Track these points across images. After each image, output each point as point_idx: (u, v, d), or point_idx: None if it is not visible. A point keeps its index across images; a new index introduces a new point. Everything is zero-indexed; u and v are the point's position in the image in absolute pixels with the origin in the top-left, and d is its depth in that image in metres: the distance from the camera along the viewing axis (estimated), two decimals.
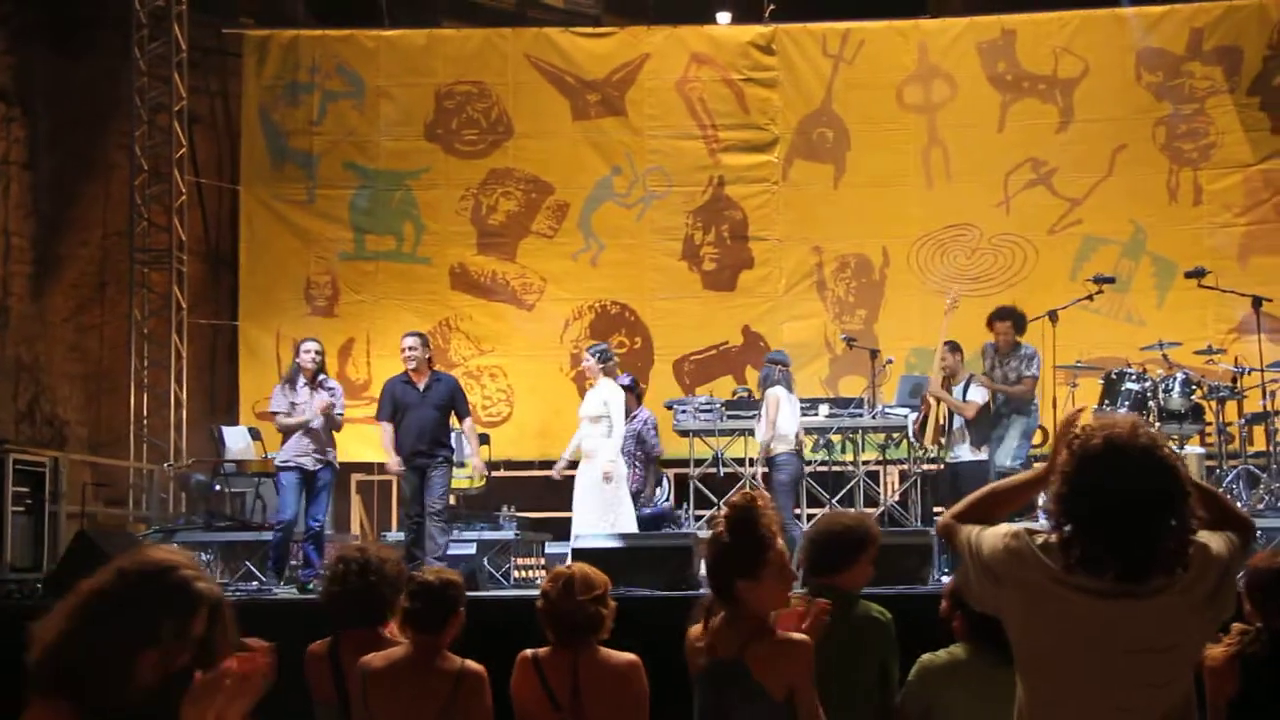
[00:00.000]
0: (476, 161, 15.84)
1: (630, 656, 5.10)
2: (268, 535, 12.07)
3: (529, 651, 5.11)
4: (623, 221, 15.72)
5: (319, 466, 11.26)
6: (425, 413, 11.24)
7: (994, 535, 3.62)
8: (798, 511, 12.34)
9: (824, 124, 15.67)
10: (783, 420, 11.70)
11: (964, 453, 11.45)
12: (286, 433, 11.27)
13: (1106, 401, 11.73)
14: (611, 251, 15.70)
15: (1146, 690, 3.46)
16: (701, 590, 9.64)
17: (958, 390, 11.55)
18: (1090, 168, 15.18)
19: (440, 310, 15.09)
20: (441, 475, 11.22)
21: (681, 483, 13.09)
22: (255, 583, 11.70)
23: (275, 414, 11.38)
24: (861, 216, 15.51)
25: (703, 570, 9.76)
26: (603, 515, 10.90)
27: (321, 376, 11.48)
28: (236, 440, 13.20)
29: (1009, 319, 11.68)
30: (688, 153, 15.76)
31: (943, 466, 12.02)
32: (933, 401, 11.86)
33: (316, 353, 11.42)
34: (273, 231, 15.64)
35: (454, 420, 11.56)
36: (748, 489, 5.18)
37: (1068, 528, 3.46)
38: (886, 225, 15.49)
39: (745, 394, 13.75)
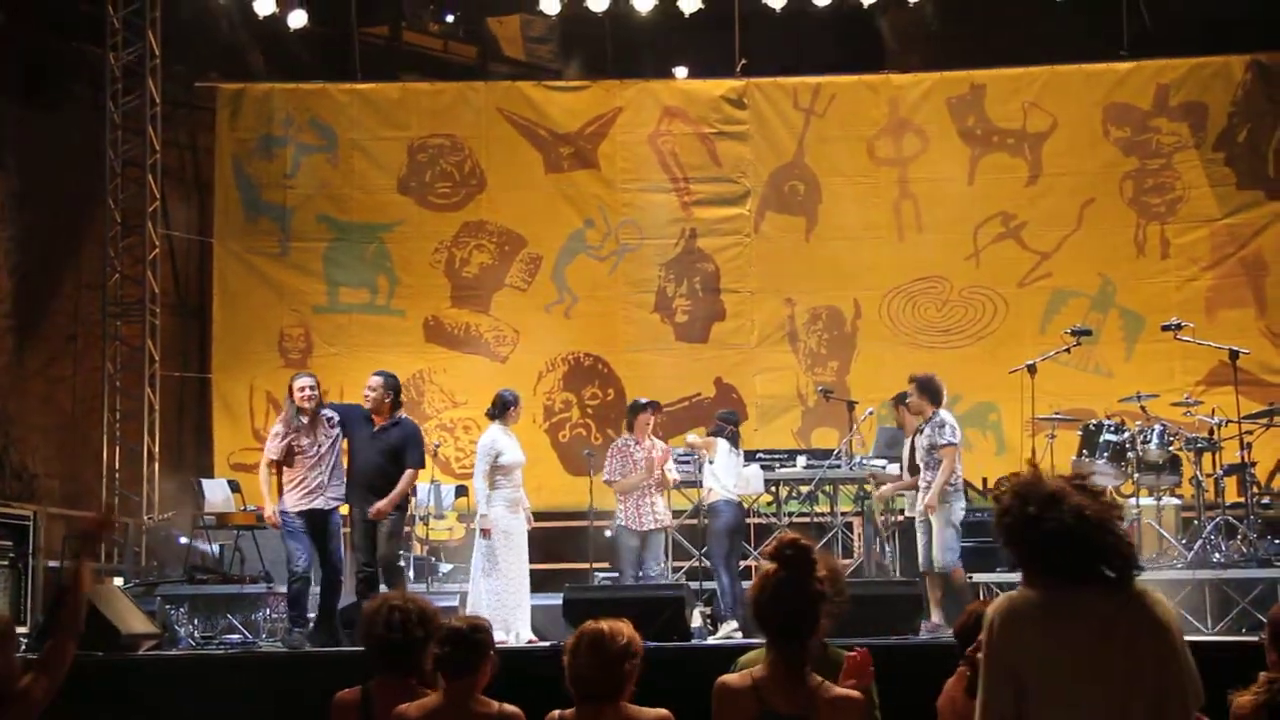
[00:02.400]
0: (450, 214, 15.89)
1: (661, 712, 5.04)
2: (251, 588, 12.03)
3: (556, 713, 5.06)
4: (596, 274, 15.79)
5: (331, 507, 10.92)
6: (372, 456, 10.90)
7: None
8: (745, 563, 12.51)
9: (795, 177, 15.80)
10: (719, 469, 11.78)
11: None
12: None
13: (1085, 452, 11.86)
14: (584, 304, 15.75)
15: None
16: (693, 641, 9.76)
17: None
18: (1059, 221, 15.36)
19: (414, 362, 15.09)
20: (393, 524, 10.89)
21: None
22: (238, 636, 11.66)
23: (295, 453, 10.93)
24: (833, 269, 15.63)
25: (695, 620, 9.90)
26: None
27: (324, 412, 11.00)
28: (215, 492, 13.15)
29: (913, 383, 11.49)
30: (660, 206, 15.84)
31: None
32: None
33: (311, 389, 10.91)
34: (246, 284, 15.62)
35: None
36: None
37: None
38: (858, 277, 15.61)
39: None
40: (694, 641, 9.78)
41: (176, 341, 15.60)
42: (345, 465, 11.04)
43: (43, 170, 14.95)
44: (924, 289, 15.51)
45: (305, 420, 10.87)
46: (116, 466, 14.86)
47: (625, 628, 5.07)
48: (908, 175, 15.64)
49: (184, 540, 13.39)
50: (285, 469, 10.85)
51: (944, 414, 11.17)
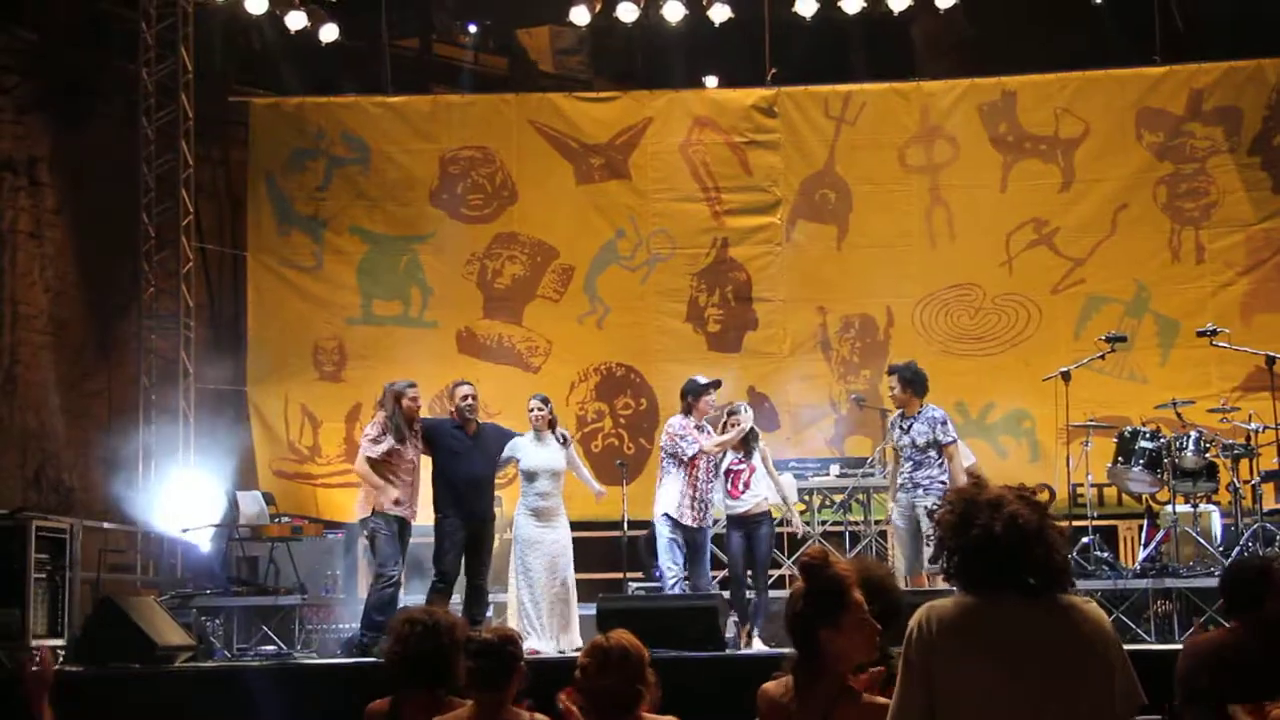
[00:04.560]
0: (482, 226, 15.91)
1: None
2: (286, 600, 12.08)
3: None
4: (627, 284, 15.79)
5: (413, 519, 11.19)
6: (472, 465, 11.18)
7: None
8: (779, 571, 12.62)
9: (827, 185, 15.77)
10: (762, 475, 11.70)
11: None
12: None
13: (1120, 460, 11.82)
14: (616, 314, 15.76)
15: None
16: (728, 650, 9.77)
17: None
18: (1092, 227, 15.29)
19: (447, 373, 15.04)
20: (490, 535, 11.19)
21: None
22: (274, 647, 11.70)
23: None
24: (865, 277, 15.59)
25: (730, 630, 9.89)
26: None
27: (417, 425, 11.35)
28: (250, 504, 13.19)
29: (894, 374, 11.49)
30: (691, 215, 15.85)
31: None
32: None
33: (417, 397, 11.34)
34: (280, 297, 15.68)
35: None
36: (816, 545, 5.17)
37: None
38: (890, 285, 15.56)
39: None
40: (728, 651, 9.76)
41: (211, 354, 15.64)
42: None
43: (77, 186, 15.08)
44: (957, 296, 15.46)
45: (407, 428, 11.05)
46: (152, 479, 14.93)
47: (638, 647, 5.09)
48: (939, 182, 15.60)
49: (213, 543, 13.45)
50: (382, 475, 11.02)
51: (937, 409, 11.22)
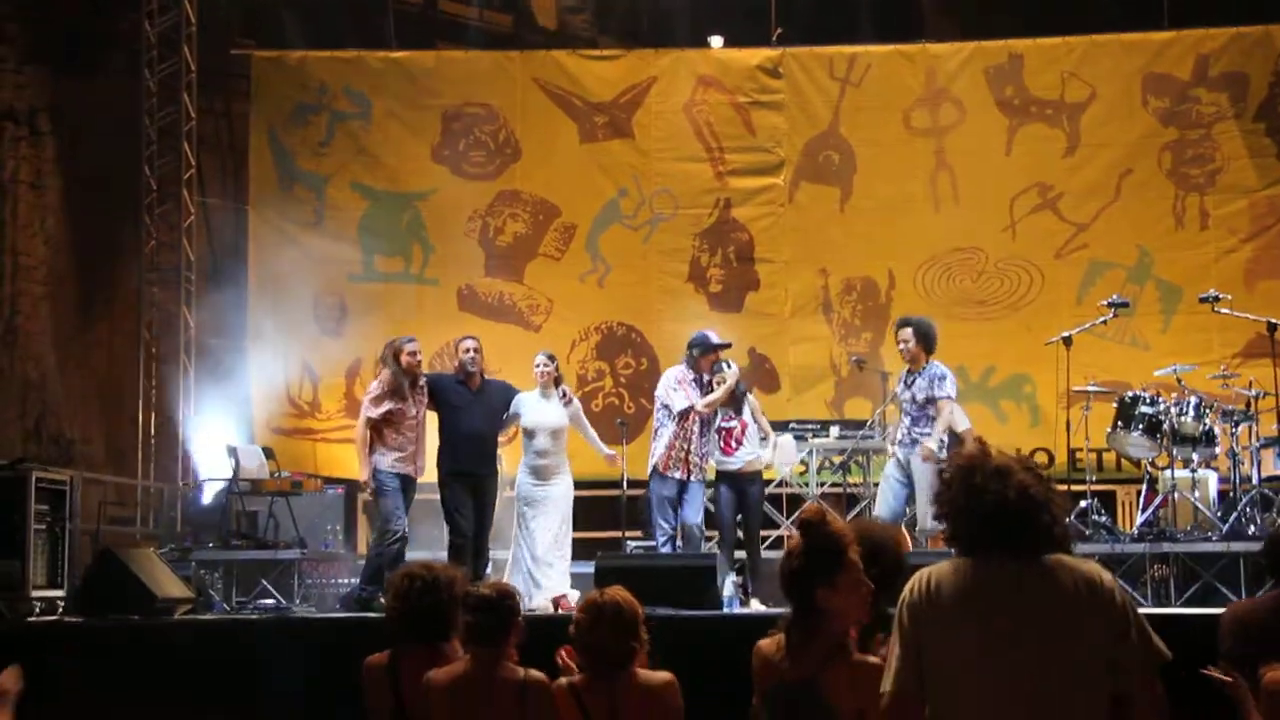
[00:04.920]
0: (484, 183, 15.90)
1: (666, 675, 5.16)
2: (285, 554, 12.12)
3: (564, 681, 5.17)
4: (630, 243, 15.80)
5: (419, 476, 11.18)
6: (476, 420, 11.16)
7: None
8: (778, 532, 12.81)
9: (831, 147, 15.76)
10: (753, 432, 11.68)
11: None
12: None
13: (1120, 425, 11.83)
14: (618, 273, 15.77)
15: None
16: (724, 610, 9.79)
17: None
18: (1097, 192, 15.28)
19: (448, 331, 14.99)
20: (492, 491, 11.15)
21: None
22: (272, 600, 11.75)
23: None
24: (868, 239, 15.60)
25: (727, 589, 9.92)
26: None
27: (422, 380, 11.29)
28: (250, 459, 13.20)
29: (909, 327, 11.44)
30: (694, 175, 15.83)
31: None
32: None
33: (419, 353, 11.25)
34: (281, 252, 15.64)
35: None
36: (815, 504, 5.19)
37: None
38: (893, 248, 15.56)
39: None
40: (725, 611, 9.78)
41: (212, 309, 15.65)
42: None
43: (79, 137, 15.05)
44: (960, 260, 15.46)
45: (409, 385, 11.02)
46: (153, 432, 14.98)
47: (632, 604, 5.14)
48: (944, 146, 15.58)
49: (213, 497, 13.49)
50: (383, 432, 11.00)
51: (941, 365, 11.19)
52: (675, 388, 11.43)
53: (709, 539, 12.01)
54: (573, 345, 15.54)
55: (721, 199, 15.79)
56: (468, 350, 11.29)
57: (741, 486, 11.37)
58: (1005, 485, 3.83)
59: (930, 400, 11.02)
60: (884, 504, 11.05)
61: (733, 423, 11.45)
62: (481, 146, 15.95)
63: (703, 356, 11.53)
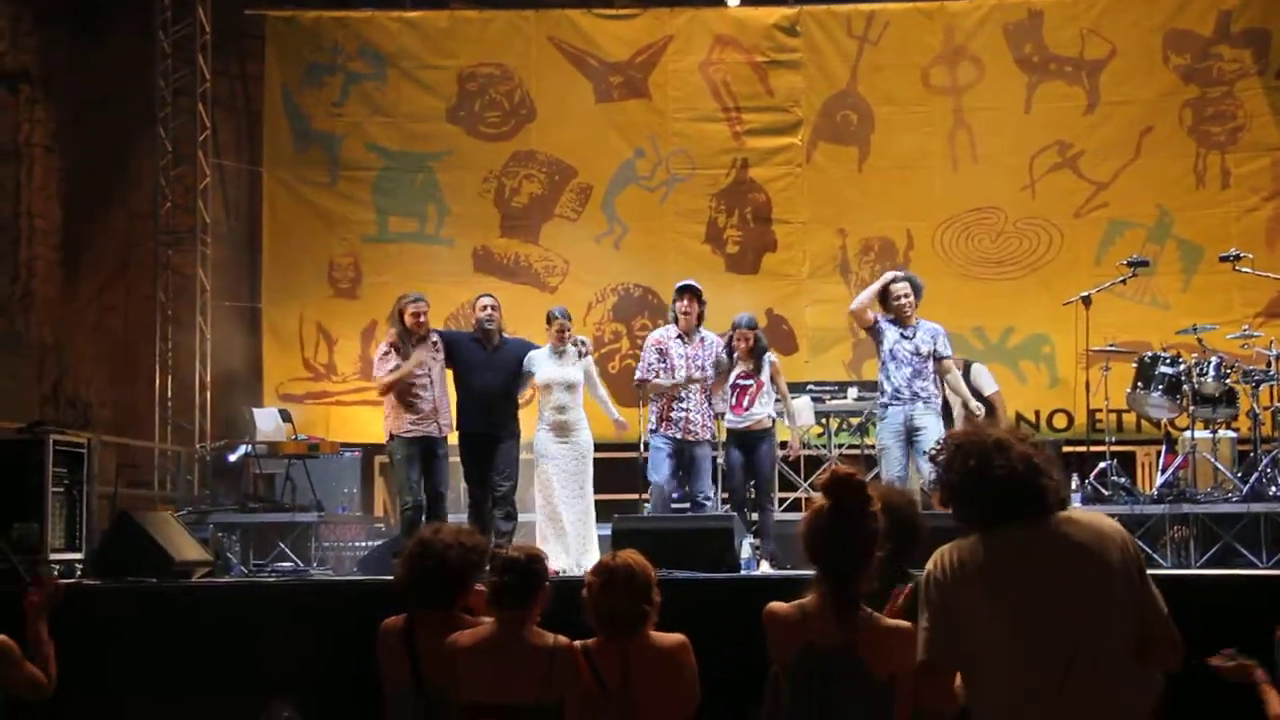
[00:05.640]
0: (499, 144, 15.88)
1: (678, 637, 5.18)
2: (302, 517, 12.16)
3: (578, 644, 5.17)
4: (646, 204, 15.77)
5: (443, 434, 11.08)
6: (489, 378, 11.07)
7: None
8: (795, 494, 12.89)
9: (848, 106, 15.69)
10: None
11: None
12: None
13: (1140, 385, 11.77)
14: (634, 234, 15.74)
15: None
16: (742, 572, 9.79)
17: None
18: (1117, 151, 15.19)
19: (463, 293, 15.01)
20: (509, 451, 11.05)
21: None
22: (290, 564, 11.79)
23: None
24: (886, 199, 15.54)
25: (745, 551, 9.91)
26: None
27: (432, 336, 11.16)
28: (267, 422, 13.23)
29: (906, 281, 11.11)
30: (711, 135, 15.79)
31: None
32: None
33: (423, 311, 11.05)
34: (295, 214, 15.69)
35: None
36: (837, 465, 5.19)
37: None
38: (911, 208, 15.51)
39: None
40: (743, 573, 9.78)
41: (228, 271, 15.66)
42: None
43: (94, 100, 15.02)
44: (978, 220, 15.41)
45: (415, 343, 10.93)
46: (169, 395, 15.02)
47: (645, 567, 5.15)
48: (963, 104, 15.51)
49: (230, 460, 13.52)
50: (400, 394, 10.91)
51: (932, 323, 11.03)
52: (648, 350, 11.35)
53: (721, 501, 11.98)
54: (589, 307, 15.54)
55: (739, 159, 15.74)
56: (485, 308, 11.21)
57: (750, 444, 11.20)
58: (1009, 459, 3.91)
59: (936, 356, 10.94)
60: (892, 465, 10.76)
61: (749, 381, 11.25)
62: (496, 107, 15.92)
63: (674, 306, 11.40)
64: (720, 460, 12.00)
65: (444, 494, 11.02)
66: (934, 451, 4.17)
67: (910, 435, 10.70)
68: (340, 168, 15.79)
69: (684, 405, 11.13)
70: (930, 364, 10.87)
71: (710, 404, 11.31)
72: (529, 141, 15.91)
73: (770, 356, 11.48)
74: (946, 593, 3.91)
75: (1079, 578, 3.82)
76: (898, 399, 10.82)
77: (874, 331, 10.98)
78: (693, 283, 11.49)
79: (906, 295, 10.94)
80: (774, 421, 11.40)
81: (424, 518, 10.61)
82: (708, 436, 11.34)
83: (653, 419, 11.23)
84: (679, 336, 11.29)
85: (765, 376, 11.31)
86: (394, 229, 15.79)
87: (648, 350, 11.37)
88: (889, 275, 11.22)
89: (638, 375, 11.38)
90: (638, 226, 15.74)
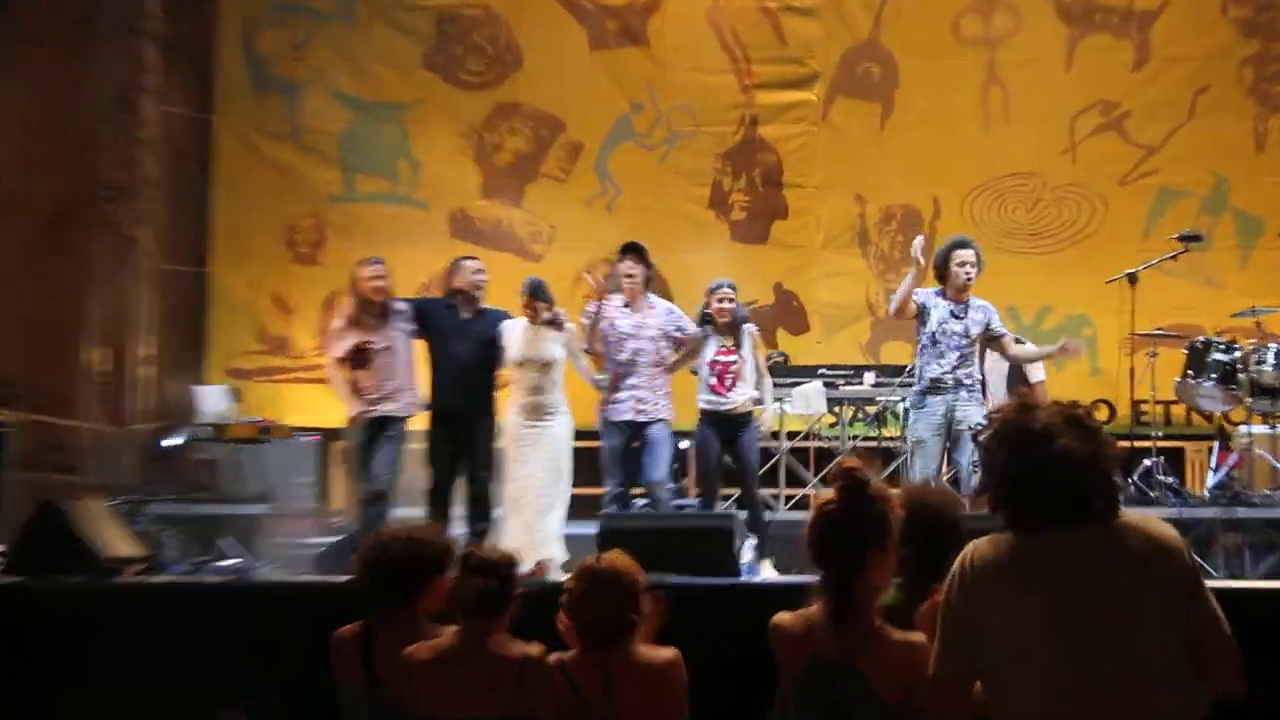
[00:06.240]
0: (481, 94, 15.78)
1: (669, 652, 5.11)
2: (251, 509, 12.03)
3: (555, 657, 5.11)
4: (643, 164, 15.68)
5: (408, 414, 10.95)
6: (464, 349, 10.87)
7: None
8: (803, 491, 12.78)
9: (870, 58, 15.61)
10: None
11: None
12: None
13: (1190, 373, 11.70)
14: (630, 197, 15.66)
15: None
16: (742, 578, 9.67)
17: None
18: (1168, 112, 15.11)
19: (439, 260, 14.65)
20: (486, 434, 10.87)
21: None
22: (236, 561, 11.65)
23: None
24: (911, 162, 15.44)
25: (746, 554, 9.79)
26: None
27: (395, 305, 11.04)
28: (212, 401, 13.12)
29: (970, 248, 10.88)
30: (717, 89, 15.70)
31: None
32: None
33: (380, 277, 10.92)
34: (251, 169, 15.58)
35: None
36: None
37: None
38: (938, 173, 15.42)
39: (781, 358, 13.68)
40: (744, 579, 9.66)
41: (173, 231, 15.48)
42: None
43: (29, 39, 14.83)
44: (1012, 187, 15.35)
45: (374, 314, 10.81)
46: (101, 370, 14.84)
47: (631, 562, 5.07)
48: (997, 58, 15.42)
49: (169, 443, 13.39)
50: (355, 371, 10.81)
51: (982, 300, 10.80)
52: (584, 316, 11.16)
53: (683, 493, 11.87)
54: (578, 278, 15.39)
55: (747, 116, 15.66)
56: (478, 271, 11.05)
57: (734, 432, 10.99)
58: (1048, 450, 3.82)
59: (992, 335, 10.71)
60: (927, 469, 10.39)
61: (732, 357, 11.03)
62: (479, 53, 15.82)
63: (619, 263, 11.25)
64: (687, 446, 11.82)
65: (386, 480, 10.81)
66: (977, 431, 4.10)
67: (950, 429, 10.40)
68: (302, 118, 15.69)
69: (632, 381, 10.94)
70: (976, 348, 10.66)
71: (664, 381, 11.09)
72: (514, 92, 15.81)
73: (750, 327, 11.28)
74: (972, 593, 3.86)
75: (1128, 588, 3.75)
76: (939, 389, 10.52)
77: (919, 313, 10.73)
78: (637, 242, 11.32)
79: (971, 265, 10.70)
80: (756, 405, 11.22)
81: (368, 504, 10.58)
82: (663, 416, 11.09)
83: (611, 396, 11.06)
84: (625, 305, 11.10)
85: (747, 352, 11.12)
86: (362, 188, 15.69)
87: (588, 312, 11.12)
88: (952, 240, 11.00)
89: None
90: (633, 189, 15.66)
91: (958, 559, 3.93)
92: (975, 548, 3.92)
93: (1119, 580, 3.76)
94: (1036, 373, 12.25)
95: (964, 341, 10.55)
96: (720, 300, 11.04)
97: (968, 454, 10.20)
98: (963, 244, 10.84)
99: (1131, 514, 3.92)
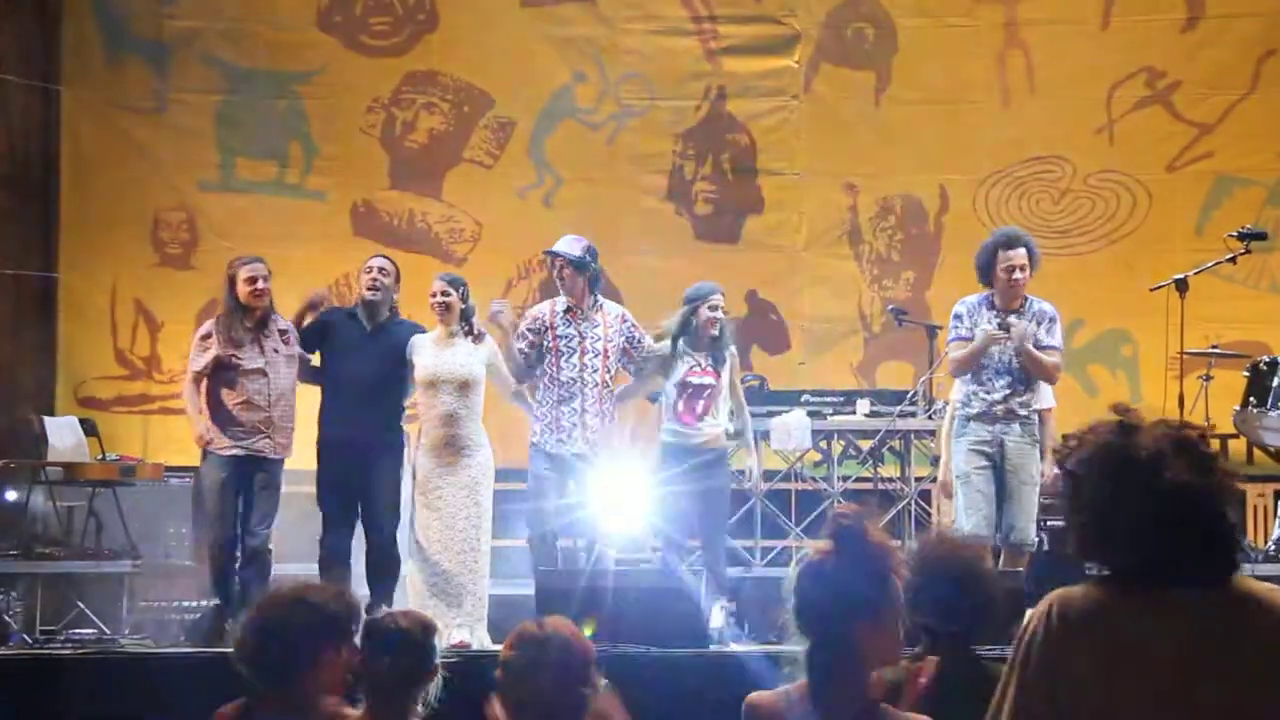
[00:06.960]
0: (389, 60, 15.89)
1: None
2: (110, 566, 12.03)
3: None
4: (588, 147, 15.83)
5: (279, 456, 10.85)
6: (364, 366, 10.83)
7: None
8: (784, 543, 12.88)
9: (862, 17, 15.78)
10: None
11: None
12: None
13: (1252, 401, 11.79)
14: (572, 187, 15.78)
15: None
16: (715, 646, 9.75)
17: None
18: (1226, 82, 15.30)
19: (338, 263, 14.98)
20: (388, 471, 10.84)
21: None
22: (92, 630, 11.68)
23: None
24: (912, 144, 15.63)
25: (716, 619, 9.86)
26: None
27: (276, 319, 10.93)
28: (62, 435, 13.11)
29: (1022, 246, 10.51)
30: (677, 54, 15.84)
31: None
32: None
33: (262, 279, 10.76)
34: (107, 150, 15.56)
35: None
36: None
37: None
38: (945, 157, 15.62)
39: (757, 382, 13.75)
40: (714, 648, 9.74)
41: (10, 227, 15.51)
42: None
43: None
44: (1036, 173, 15.52)
45: (250, 325, 10.76)
46: None
47: (579, 638, 5.10)
48: (1017, 16, 15.58)
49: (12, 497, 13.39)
50: (216, 395, 10.77)
51: (1046, 302, 10.61)
52: (522, 333, 11.05)
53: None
54: (509, 285, 15.49)
55: (713, 87, 15.80)
56: (371, 270, 10.96)
57: (700, 470, 10.95)
58: (1155, 484, 3.71)
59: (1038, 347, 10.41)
60: (976, 509, 10.25)
61: (708, 379, 11.07)
62: (385, 10, 15.92)
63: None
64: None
65: (264, 536, 10.78)
66: (1060, 450, 4.00)
67: (1001, 472, 10.34)
68: (170, 89, 15.70)
69: (574, 406, 10.90)
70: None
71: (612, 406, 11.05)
72: (429, 59, 15.92)
73: (731, 347, 11.34)
74: (1063, 646, 3.74)
75: (1255, 674, 3.66)
76: (985, 418, 10.45)
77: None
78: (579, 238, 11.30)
79: (1022, 268, 10.44)
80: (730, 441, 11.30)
81: (243, 565, 10.57)
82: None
83: (534, 427, 10.99)
84: (568, 310, 11.08)
85: (726, 376, 11.17)
86: (243, 175, 15.74)
87: (522, 333, 11.01)
88: (998, 236, 10.72)
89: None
90: (576, 177, 15.79)
91: (1035, 612, 3.82)
92: (1059, 599, 3.80)
93: (1247, 667, 3.66)
94: (1047, 398, 11.93)
95: (1015, 364, 10.41)
96: (712, 309, 11.09)
97: (1024, 514, 10.26)
98: (1009, 241, 10.55)
99: (1251, 580, 3.81)
